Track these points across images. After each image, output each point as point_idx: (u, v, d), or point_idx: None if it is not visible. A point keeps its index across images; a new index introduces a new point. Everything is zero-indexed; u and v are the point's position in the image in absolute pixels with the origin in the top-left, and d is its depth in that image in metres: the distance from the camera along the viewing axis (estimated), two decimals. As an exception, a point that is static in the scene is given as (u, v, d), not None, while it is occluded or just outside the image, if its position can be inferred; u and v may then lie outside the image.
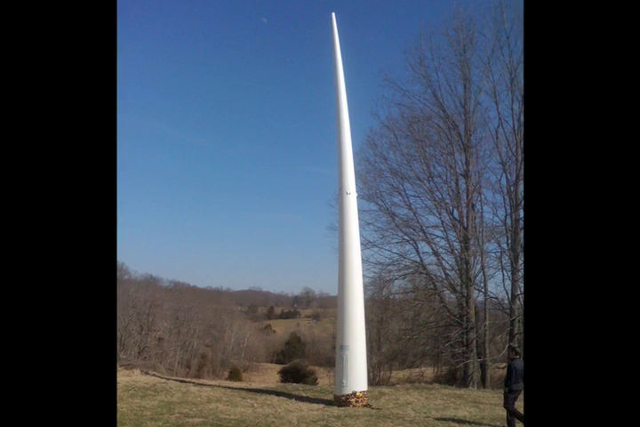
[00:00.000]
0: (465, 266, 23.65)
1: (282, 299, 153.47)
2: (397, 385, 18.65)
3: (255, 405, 11.58)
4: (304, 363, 54.47)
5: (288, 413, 10.67)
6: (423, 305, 25.60)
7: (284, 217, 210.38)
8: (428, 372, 37.19)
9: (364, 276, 15.08)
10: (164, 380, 15.83)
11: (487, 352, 22.85)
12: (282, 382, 37.24)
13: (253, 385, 17.90)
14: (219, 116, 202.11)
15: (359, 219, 13.63)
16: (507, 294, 23.35)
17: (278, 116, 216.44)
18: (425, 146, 24.85)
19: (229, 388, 14.85)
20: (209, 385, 15.36)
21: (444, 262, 25.06)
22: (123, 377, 15.22)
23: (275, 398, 12.58)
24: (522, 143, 21.75)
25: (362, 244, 16.42)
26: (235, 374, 47.66)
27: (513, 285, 22.71)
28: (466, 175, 24.01)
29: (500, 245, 24.04)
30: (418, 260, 24.96)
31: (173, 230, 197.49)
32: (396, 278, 25.55)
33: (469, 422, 10.18)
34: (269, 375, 57.24)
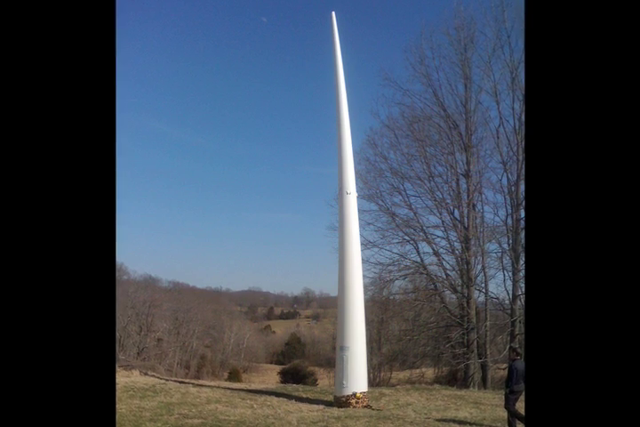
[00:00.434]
0: (466, 266, 23.61)
1: (282, 299, 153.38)
2: (398, 386, 18.61)
3: (255, 406, 11.55)
4: (304, 364, 54.49)
5: (288, 414, 10.65)
6: (424, 306, 25.56)
7: (284, 217, 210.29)
8: (429, 373, 37.20)
9: (364, 276, 15.04)
10: (163, 381, 15.82)
11: (488, 353, 22.82)
12: (281, 382, 37.22)
13: (253, 386, 17.88)
14: (218, 115, 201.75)
15: (359, 219, 13.61)
16: (508, 294, 23.36)
17: (278, 115, 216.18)
18: (425, 145, 24.84)
19: (229, 389, 14.83)
20: (208, 386, 15.33)
21: (444, 263, 25.07)
22: (122, 378, 15.16)
23: (274, 399, 12.56)
24: (523, 143, 21.72)
25: (362, 244, 16.38)
26: (234, 375, 47.67)
27: (514, 285, 22.69)
28: (466, 175, 23.98)
29: (500, 246, 24.06)
30: (418, 260, 24.95)
31: (173, 230, 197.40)
32: (397, 279, 25.56)
33: (470, 424, 10.18)
34: (269, 376, 57.23)
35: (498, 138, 23.54)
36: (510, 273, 23.10)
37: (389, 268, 24.76)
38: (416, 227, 24.90)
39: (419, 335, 25.98)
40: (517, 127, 22.79)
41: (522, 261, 22.14)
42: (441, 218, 24.79)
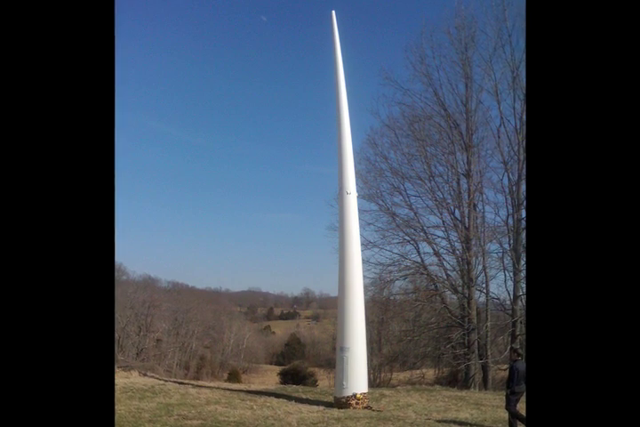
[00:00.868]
0: (466, 266, 23.56)
1: (281, 300, 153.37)
2: (398, 387, 18.60)
3: (254, 407, 11.53)
4: (304, 364, 54.42)
5: (288, 415, 10.63)
6: (424, 306, 25.50)
7: (284, 217, 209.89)
8: (429, 373, 37.18)
9: (364, 276, 14.99)
10: (162, 381, 15.80)
11: (489, 354, 22.77)
12: (281, 383, 37.12)
13: (253, 387, 17.84)
14: (218, 115, 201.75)
15: (359, 219, 13.58)
16: (508, 294, 23.33)
17: (278, 115, 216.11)
18: (426, 145, 24.79)
19: (228, 389, 14.80)
20: (208, 387, 15.30)
21: (445, 263, 25.04)
22: (121, 379, 15.11)
23: (274, 400, 12.53)
24: (524, 142, 21.68)
25: (362, 244, 16.35)
26: (234, 376, 47.66)
27: (515, 285, 22.64)
28: (467, 175, 23.94)
29: (501, 246, 24.03)
30: (419, 260, 24.91)
31: (172, 230, 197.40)
32: (397, 279, 25.53)
33: (471, 425, 10.18)
34: (269, 377, 57.15)
35: (499, 137, 23.53)
36: (511, 273, 23.07)
37: (390, 268, 24.75)
38: (416, 227, 24.88)
39: (419, 336, 25.93)
40: (518, 127, 22.76)
41: (523, 262, 22.10)
42: (441, 218, 24.78)
